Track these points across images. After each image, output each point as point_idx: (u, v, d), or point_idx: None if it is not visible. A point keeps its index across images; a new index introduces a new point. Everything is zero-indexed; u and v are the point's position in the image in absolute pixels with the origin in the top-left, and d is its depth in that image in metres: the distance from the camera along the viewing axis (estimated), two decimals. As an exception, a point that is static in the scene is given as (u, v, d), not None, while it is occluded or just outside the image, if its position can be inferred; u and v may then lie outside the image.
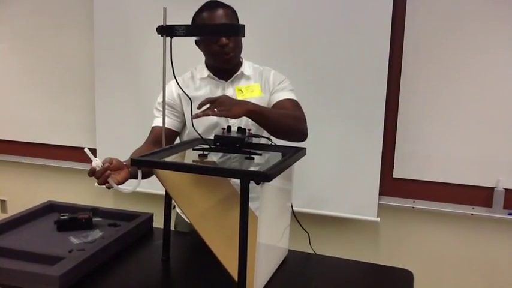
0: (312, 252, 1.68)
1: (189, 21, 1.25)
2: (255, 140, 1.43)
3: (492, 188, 2.37)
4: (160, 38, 1.24)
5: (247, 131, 1.37)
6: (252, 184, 1.06)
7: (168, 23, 1.23)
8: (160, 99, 1.71)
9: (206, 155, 1.38)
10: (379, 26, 2.34)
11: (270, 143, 1.45)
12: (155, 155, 1.24)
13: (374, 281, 1.39)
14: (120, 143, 2.78)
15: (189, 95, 1.52)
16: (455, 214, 2.45)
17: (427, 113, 2.40)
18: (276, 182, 1.16)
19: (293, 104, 1.67)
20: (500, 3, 2.23)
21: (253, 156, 1.34)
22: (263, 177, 1.06)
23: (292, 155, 1.30)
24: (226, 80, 1.69)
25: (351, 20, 2.38)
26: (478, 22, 2.27)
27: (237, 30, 1.17)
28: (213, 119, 1.62)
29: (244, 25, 1.18)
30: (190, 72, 1.74)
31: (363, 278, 1.41)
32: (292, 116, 1.61)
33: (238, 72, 1.69)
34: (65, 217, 1.54)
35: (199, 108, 1.35)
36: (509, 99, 2.28)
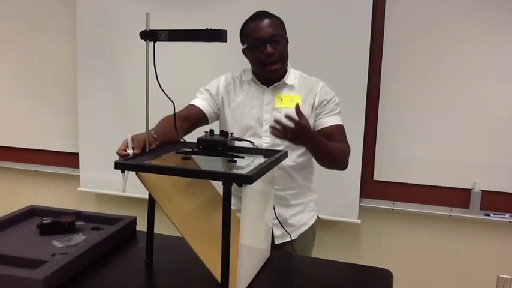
0: (294, 253, 1.71)
1: (171, 26, 1.27)
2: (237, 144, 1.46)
3: (469, 190, 2.43)
4: (143, 41, 1.26)
5: (229, 134, 1.39)
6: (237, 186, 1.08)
7: (152, 27, 1.24)
8: (207, 86, 1.77)
9: (189, 158, 1.40)
10: (359, 31, 2.39)
11: (252, 146, 1.47)
12: (138, 159, 1.25)
13: (354, 280, 1.42)
14: (103, 147, 2.79)
15: (230, 98, 1.72)
16: (434, 215, 2.51)
17: (406, 117, 2.45)
18: (258, 184, 1.18)
19: (340, 132, 1.71)
20: (477, 8, 2.29)
21: (235, 159, 1.36)
22: (245, 179, 1.08)
23: (274, 158, 1.32)
24: (268, 86, 1.71)
25: (331, 26, 2.42)
26: (455, 27, 2.33)
27: (218, 36, 1.19)
28: (247, 123, 1.68)
29: (226, 31, 1.20)
30: (240, 74, 1.78)
31: (344, 277, 1.43)
32: (342, 151, 1.68)
33: (280, 81, 1.71)
34: (48, 221, 1.53)
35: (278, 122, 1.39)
36: (486, 103, 2.34)
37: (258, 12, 1.67)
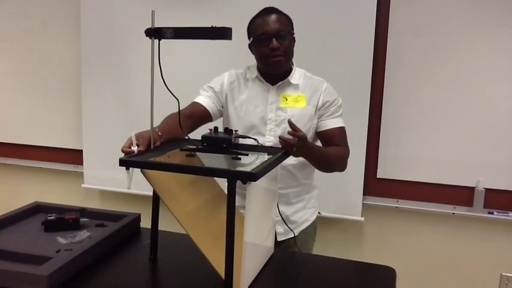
0: (296, 249, 1.71)
1: (175, 24, 1.27)
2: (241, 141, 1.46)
3: (473, 188, 2.42)
4: (147, 39, 1.26)
5: (234, 131, 1.40)
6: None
7: (156, 25, 1.25)
8: (211, 84, 1.77)
9: (194, 155, 1.40)
10: (363, 31, 2.39)
11: (256, 143, 1.48)
12: (143, 156, 1.25)
13: (357, 277, 1.42)
14: (107, 144, 2.80)
15: (234, 96, 1.72)
16: (437, 213, 2.51)
17: (410, 115, 2.45)
18: (262, 182, 1.18)
19: (341, 135, 1.72)
20: (480, 8, 2.28)
21: (239, 156, 1.36)
22: (250, 176, 1.08)
23: (278, 156, 1.33)
24: (273, 85, 1.71)
25: (336, 25, 2.42)
26: (458, 27, 2.33)
27: (223, 34, 1.19)
28: (251, 121, 1.68)
29: (231, 28, 1.20)
30: (244, 71, 1.77)
31: (347, 275, 1.44)
32: (340, 157, 1.69)
33: (285, 80, 1.71)
34: (52, 217, 1.54)
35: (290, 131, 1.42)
36: (489, 102, 2.34)
37: (267, 7, 1.67)
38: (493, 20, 2.28)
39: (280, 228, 1.73)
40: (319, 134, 1.73)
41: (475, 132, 2.37)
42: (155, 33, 1.24)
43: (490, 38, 2.30)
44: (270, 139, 1.67)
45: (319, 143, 1.75)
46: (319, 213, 1.91)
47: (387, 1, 2.41)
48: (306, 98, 1.70)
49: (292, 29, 1.68)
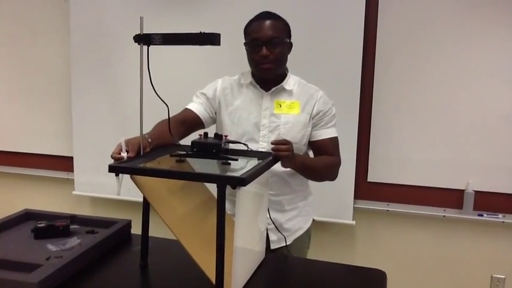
0: (289, 254, 1.72)
1: (165, 29, 1.28)
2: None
3: (462, 190, 2.45)
4: (137, 44, 1.26)
5: (224, 137, 1.40)
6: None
7: (146, 30, 1.25)
8: (204, 90, 1.76)
9: (183, 161, 1.40)
10: (352, 33, 2.41)
11: (246, 148, 1.48)
12: (133, 162, 1.25)
13: (348, 281, 1.42)
14: (98, 150, 2.78)
15: (228, 102, 1.71)
16: (427, 216, 2.52)
17: (400, 118, 2.47)
18: (252, 186, 1.19)
19: (333, 145, 1.74)
20: (470, 8, 2.31)
21: (229, 161, 1.36)
22: (239, 181, 1.08)
23: (268, 160, 1.33)
24: (267, 91, 1.71)
25: (324, 28, 2.44)
26: (446, 28, 2.35)
27: (211, 39, 1.19)
28: (245, 127, 1.68)
29: (219, 34, 1.21)
30: (238, 77, 1.76)
31: (338, 278, 1.44)
32: (331, 165, 1.73)
33: (279, 86, 1.70)
34: (42, 225, 1.53)
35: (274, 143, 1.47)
36: (479, 104, 2.36)
37: (264, 12, 1.67)
38: (483, 20, 2.31)
39: (273, 236, 1.72)
40: (312, 144, 1.73)
41: (464, 134, 2.40)
42: (144, 39, 1.24)
43: (480, 38, 2.33)
44: (263, 145, 1.66)
45: (310, 152, 1.77)
46: (313, 220, 1.91)
47: (376, 2, 2.43)
48: (300, 105, 1.69)
49: (288, 36, 1.68)
